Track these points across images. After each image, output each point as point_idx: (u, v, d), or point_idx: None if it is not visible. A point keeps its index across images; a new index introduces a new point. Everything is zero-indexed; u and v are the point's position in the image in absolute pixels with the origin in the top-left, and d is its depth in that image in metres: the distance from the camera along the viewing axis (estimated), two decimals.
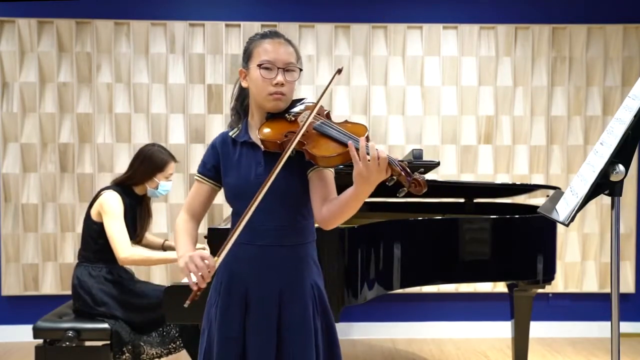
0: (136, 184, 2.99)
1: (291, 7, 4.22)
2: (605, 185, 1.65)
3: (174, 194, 4.15)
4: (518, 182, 4.14)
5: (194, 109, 4.19)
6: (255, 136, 1.79)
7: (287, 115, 1.77)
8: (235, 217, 1.83)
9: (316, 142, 1.66)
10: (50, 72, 4.11)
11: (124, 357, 2.78)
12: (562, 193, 1.85)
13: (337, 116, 4.48)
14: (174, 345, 2.93)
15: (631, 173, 4.26)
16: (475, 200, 3.58)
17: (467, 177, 4.25)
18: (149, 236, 3.21)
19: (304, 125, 1.66)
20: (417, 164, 3.03)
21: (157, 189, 3.00)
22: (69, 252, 4.13)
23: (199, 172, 1.89)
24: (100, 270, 2.89)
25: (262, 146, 1.75)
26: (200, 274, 1.61)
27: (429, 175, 3.33)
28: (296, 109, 1.80)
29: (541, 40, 4.23)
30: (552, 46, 4.24)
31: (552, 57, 4.24)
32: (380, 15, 4.23)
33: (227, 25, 4.17)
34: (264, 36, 1.79)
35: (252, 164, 1.78)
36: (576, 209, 1.66)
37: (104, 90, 4.14)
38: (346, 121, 1.76)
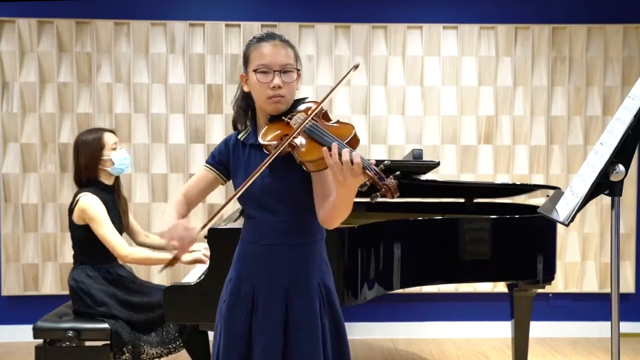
0: (92, 175, 2.89)
1: (291, 7, 4.22)
2: (605, 185, 1.65)
3: (174, 194, 4.13)
4: (518, 182, 4.14)
5: (194, 109, 4.19)
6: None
7: (284, 117, 1.77)
8: (248, 220, 1.86)
9: (305, 146, 1.66)
10: (50, 72, 4.11)
11: (124, 357, 2.78)
12: (562, 193, 1.85)
13: (337, 116, 4.47)
14: (173, 345, 2.92)
15: (631, 173, 4.26)
16: (475, 200, 3.58)
17: (467, 177, 4.25)
18: (152, 237, 3.20)
19: (295, 132, 1.66)
20: (417, 164, 3.03)
21: (114, 164, 2.90)
22: (69, 252, 4.10)
23: (207, 162, 1.91)
24: (97, 270, 2.88)
25: (265, 150, 1.76)
26: (181, 241, 1.63)
27: (429, 175, 3.34)
28: (298, 108, 1.80)
29: (541, 40, 4.23)
30: (552, 46, 4.24)
31: (552, 57, 4.24)
32: (380, 15, 4.23)
33: (227, 25, 4.17)
34: (260, 39, 1.79)
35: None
36: (576, 209, 1.66)
37: (104, 90, 4.14)
38: (338, 121, 1.75)
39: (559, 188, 3.32)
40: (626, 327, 4.27)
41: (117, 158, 2.91)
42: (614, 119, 1.68)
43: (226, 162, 1.88)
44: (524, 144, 4.26)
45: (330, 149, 1.54)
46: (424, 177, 3.29)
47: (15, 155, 4.12)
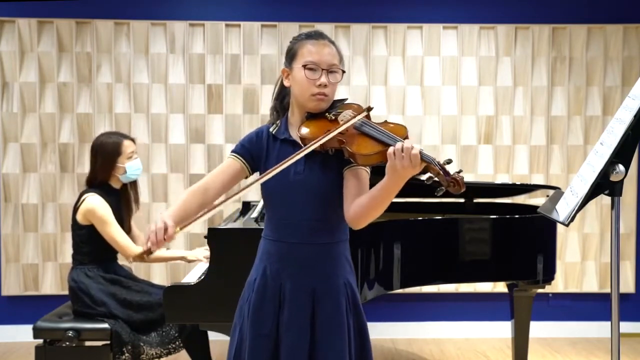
0: (105, 178, 2.92)
1: (291, 7, 4.22)
2: (605, 185, 1.65)
3: (174, 194, 4.15)
4: (518, 182, 4.14)
5: (194, 109, 4.19)
6: (295, 134, 1.81)
7: (327, 114, 1.79)
8: (272, 216, 1.84)
9: (356, 141, 1.70)
10: (50, 72, 4.11)
11: (123, 357, 2.78)
12: (562, 193, 1.85)
13: None
14: (173, 346, 2.92)
15: (631, 173, 4.26)
16: (475, 200, 3.58)
17: (467, 177, 4.21)
18: None
19: (345, 123, 1.70)
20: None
21: (126, 173, 2.92)
22: (69, 252, 4.10)
23: (234, 150, 1.87)
24: (97, 270, 2.88)
25: (302, 144, 1.76)
26: (155, 235, 1.62)
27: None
28: (337, 109, 1.82)
29: (541, 40, 4.23)
30: (552, 46, 4.24)
31: (552, 57, 4.24)
32: (380, 15, 4.22)
33: (227, 25, 4.17)
34: (308, 36, 1.81)
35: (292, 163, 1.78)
36: (576, 209, 1.66)
37: (104, 90, 4.14)
38: (386, 121, 1.79)
39: (559, 188, 3.32)
40: (626, 327, 4.27)
41: (131, 167, 2.93)
42: (614, 119, 1.68)
43: (256, 153, 1.85)
44: (524, 144, 4.26)
45: (390, 144, 1.58)
46: (424, 177, 3.29)
47: (15, 155, 4.12)
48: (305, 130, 1.76)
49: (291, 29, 4.15)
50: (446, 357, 3.91)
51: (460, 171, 1.57)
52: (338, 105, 1.84)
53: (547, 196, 3.08)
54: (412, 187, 3.26)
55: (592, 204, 4.16)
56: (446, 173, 1.55)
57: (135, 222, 3.18)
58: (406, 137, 1.65)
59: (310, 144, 1.69)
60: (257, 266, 1.85)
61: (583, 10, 4.26)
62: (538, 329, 4.18)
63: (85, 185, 2.97)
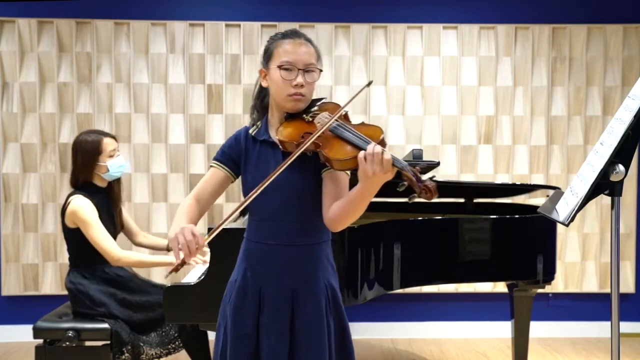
0: (87, 178, 2.85)
1: (291, 7, 4.22)
2: (605, 185, 1.65)
3: (174, 194, 4.15)
4: (518, 182, 4.14)
5: (194, 109, 4.19)
6: (274, 135, 1.80)
7: (304, 115, 1.78)
8: (252, 217, 1.84)
9: (331, 145, 1.67)
10: (50, 72, 4.11)
11: (123, 357, 2.78)
12: (562, 193, 1.85)
13: None
14: (173, 346, 2.92)
15: (631, 173, 4.26)
16: (475, 200, 3.58)
17: (467, 177, 4.25)
18: (150, 237, 3.19)
19: (322, 128, 1.67)
20: (417, 164, 3.03)
21: (109, 171, 2.85)
22: None
23: (216, 158, 1.87)
24: (94, 271, 2.86)
25: (280, 147, 1.76)
26: (187, 247, 1.58)
27: (429, 175, 3.34)
28: (315, 109, 1.80)
29: (541, 40, 4.23)
30: (552, 46, 4.24)
31: (552, 57, 4.24)
32: (380, 15, 4.23)
33: (227, 25, 4.17)
34: (284, 36, 1.79)
35: (271, 164, 1.78)
36: (576, 209, 1.66)
37: (104, 90, 4.14)
38: (363, 123, 1.76)
39: (559, 188, 3.32)
40: (626, 327, 4.27)
41: (113, 165, 2.86)
42: (614, 119, 1.68)
43: (236, 157, 1.85)
44: (524, 144, 4.26)
45: (363, 148, 1.55)
46: (424, 177, 3.28)
47: (15, 155, 4.12)
48: (283, 132, 1.74)
49: None
50: (446, 357, 3.91)
51: (432, 177, 1.55)
52: (316, 105, 1.82)
53: (547, 196, 3.08)
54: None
55: (592, 204, 4.16)
56: (418, 179, 1.53)
57: (135, 222, 3.18)
58: (382, 140, 1.62)
59: (291, 155, 1.66)
60: (239, 267, 1.85)
61: (583, 10, 4.26)
62: (538, 329, 4.18)
63: (71, 186, 2.91)
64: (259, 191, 1.65)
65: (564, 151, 4.26)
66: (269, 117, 1.85)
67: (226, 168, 1.85)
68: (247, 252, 1.83)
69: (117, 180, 2.97)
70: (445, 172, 4.23)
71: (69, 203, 2.80)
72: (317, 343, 1.76)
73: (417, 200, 1.54)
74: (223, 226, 1.64)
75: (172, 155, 4.17)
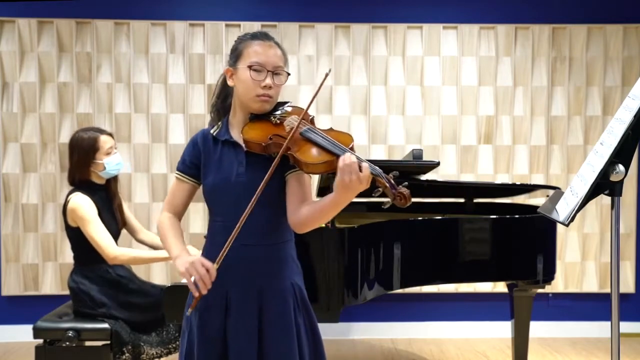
0: (84, 175, 2.83)
1: (291, 7, 4.22)
2: (605, 185, 1.65)
3: None
4: (518, 182, 4.14)
5: (194, 109, 4.19)
6: (237, 135, 1.80)
7: (272, 117, 1.78)
8: (215, 218, 1.83)
9: (302, 148, 1.67)
10: (50, 72, 4.11)
11: (123, 357, 2.78)
12: (562, 193, 1.85)
13: (337, 116, 4.47)
14: (173, 346, 2.92)
15: (631, 173, 4.26)
16: (475, 200, 3.58)
17: (467, 177, 4.25)
18: (151, 235, 3.18)
19: (294, 131, 1.67)
20: (417, 164, 3.03)
21: (105, 169, 2.83)
22: (69, 252, 4.10)
23: (178, 169, 1.90)
24: (96, 271, 2.85)
25: (244, 146, 1.76)
26: (203, 282, 1.63)
27: (429, 175, 3.34)
28: (279, 112, 1.81)
29: (541, 40, 4.23)
30: (552, 46, 4.24)
31: (552, 57, 4.24)
32: (380, 15, 4.23)
33: (227, 25, 4.17)
34: (254, 37, 1.79)
35: (234, 164, 1.78)
36: (576, 209, 1.66)
37: (104, 90, 4.14)
38: (331, 129, 1.76)
39: (559, 188, 3.32)
40: (626, 327, 4.27)
41: (110, 163, 2.84)
42: (614, 119, 1.68)
43: (198, 162, 1.85)
44: (524, 144, 4.26)
45: (338, 155, 1.57)
46: (424, 177, 3.29)
47: (15, 155, 4.12)
48: (249, 132, 1.74)
49: (291, 29, 4.15)
50: (446, 357, 3.91)
51: (406, 184, 1.55)
52: (281, 107, 1.82)
53: (547, 196, 3.09)
54: (412, 187, 3.28)
55: (592, 204, 4.17)
56: (392, 186, 1.54)
57: (135, 222, 3.18)
58: (351, 147, 1.63)
59: (273, 164, 1.66)
60: None
61: (583, 10, 4.26)
62: (538, 329, 4.19)
63: (69, 184, 2.89)
64: (252, 207, 1.66)
65: (564, 151, 4.26)
66: (230, 118, 1.85)
67: (189, 178, 1.88)
68: (211, 254, 1.74)
69: (114, 177, 2.95)
70: (445, 172, 4.23)
71: (68, 201, 2.80)
72: (286, 342, 1.76)
73: (389, 206, 1.55)
74: (227, 247, 1.66)
75: (172, 156, 4.17)
